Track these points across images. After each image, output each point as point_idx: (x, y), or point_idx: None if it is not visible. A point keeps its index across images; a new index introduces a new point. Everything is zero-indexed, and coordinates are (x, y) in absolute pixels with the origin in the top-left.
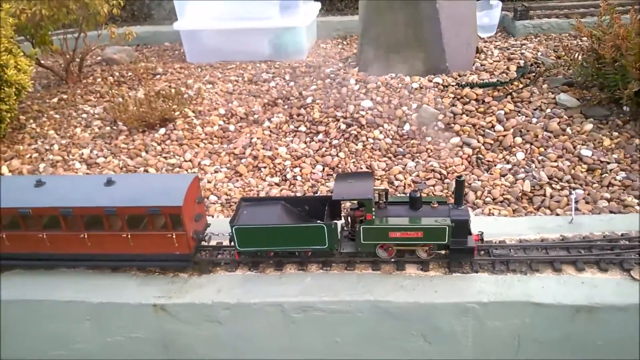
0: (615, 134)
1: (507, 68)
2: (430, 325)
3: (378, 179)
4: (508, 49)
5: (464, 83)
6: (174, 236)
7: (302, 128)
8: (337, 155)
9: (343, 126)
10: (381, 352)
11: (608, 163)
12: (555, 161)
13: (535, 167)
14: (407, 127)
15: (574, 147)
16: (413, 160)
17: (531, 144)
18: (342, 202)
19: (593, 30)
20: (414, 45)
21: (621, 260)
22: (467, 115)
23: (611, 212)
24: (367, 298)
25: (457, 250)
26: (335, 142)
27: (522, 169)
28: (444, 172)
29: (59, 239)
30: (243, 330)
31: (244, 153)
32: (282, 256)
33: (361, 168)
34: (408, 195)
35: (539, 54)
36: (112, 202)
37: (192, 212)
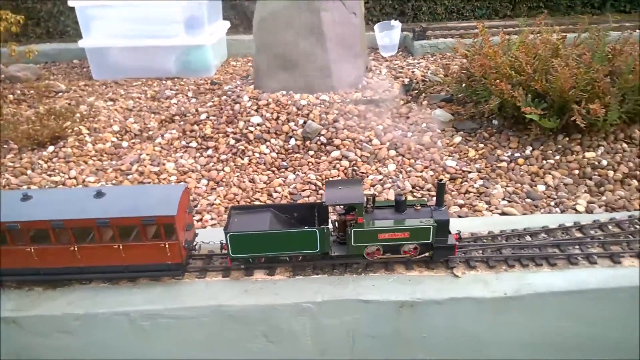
0: (481, 145)
1: (391, 86)
2: (271, 326)
3: (259, 192)
4: (395, 69)
5: (348, 100)
6: (167, 246)
7: (193, 144)
8: (222, 169)
9: (232, 141)
10: (227, 353)
11: (469, 172)
12: (421, 171)
13: (402, 177)
14: (292, 141)
15: (441, 159)
16: (294, 173)
17: (403, 156)
18: (330, 208)
19: (466, 50)
20: (304, 64)
21: (447, 260)
22: (348, 130)
23: (459, 216)
24: (211, 303)
25: (440, 248)
26: (223, 157)
27: (390, 180)
28: (319, 183)
29: (48, 253)
30: (93, 340)
31: (130, 169)
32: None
33: (244, 182)
34: (393, 199)
35: (429, 72)
36: (103, 214)
37: (183, 221)
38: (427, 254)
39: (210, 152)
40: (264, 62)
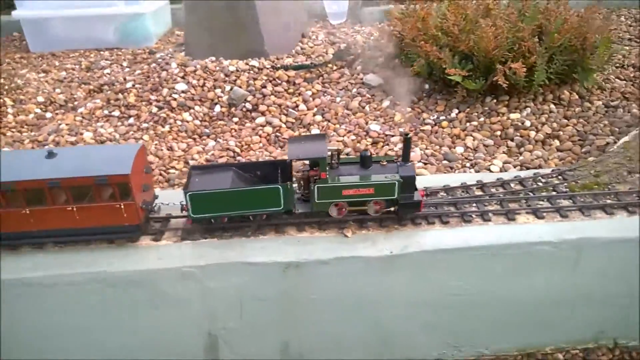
0: (409, 109)
1: (326, 52)
2: (156, 291)
3: (175, 160)
4: (335, 35)
5: (278, 66)
6: (122, 206)
7: (116, 113)
8: (141, 138)
9: (155, 109)
10: (114, 319)
11: (392, 136)
12: (343, 136)
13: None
14: (217, 108)
15: (366, 123)
16: (215, 140)
17: (329, 121)
18: (293, 164)
19: (400, 14)
20: (234, 29)
21: (340, 220)
22: (275, 96)
23: None
24: (96, 270)
25: (406, 205)
26: (144, 125)
27: None
28: (238, 150)
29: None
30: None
31: (47, 140)
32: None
33: (161, 150)
34: (360, 155)
35: (372, 38)
36: (55, 174)
37: (140, 181)
38: (392, 210)
39: (132, 120)
40: (194, 29)
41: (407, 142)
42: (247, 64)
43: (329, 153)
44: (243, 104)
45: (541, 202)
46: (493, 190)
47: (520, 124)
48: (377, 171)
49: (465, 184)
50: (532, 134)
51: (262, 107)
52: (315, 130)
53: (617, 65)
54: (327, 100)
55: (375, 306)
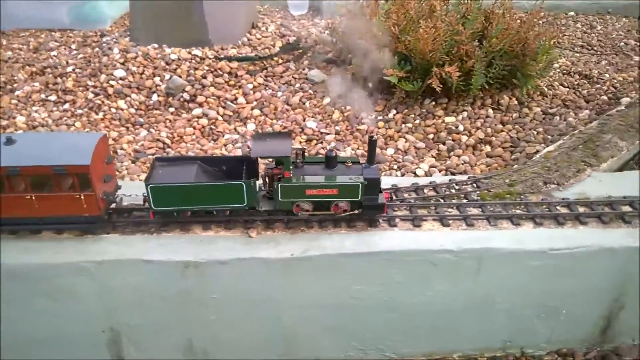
0: (349, 107)
1: (273, 44)
2: (52, 284)
3: None
4: (288, 27)
5: (221, 56)
6: (82, 197)
7: (53, 97)
8: (73, 124)
9: (91, 95)
10: (9, 311)
11: (327, 134)
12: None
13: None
14: (154, 97)
15: (304, 120)
16: (147, 130)
17: (266, 116)
18: (259, 161)
19: (347, 10)
20: (179, 17)
21: (246, 221)
22: (215, 88)
23: None
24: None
25: (369, 207)
26: (79, 111)
27: (245, 139)
28: (169, 141)
29: None
30: None
31: None
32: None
33: None
34: (325, 155)
35: (327, 32)
36: (14, 162)
37: (101, 172)
38: (355, 212)
39: (67, 106)
40: (139, 14)
41: (371, 144)
42: (189, 52)
43: (294, 152)
44: (181, 94)
45: (450, 210)
46: (406, 195)
47: (454, 127)
48: (342, 172)
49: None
50: (464, 138)
51: (200, 98)
52: (251, 126)
53: (564, 72)
54: (268, 94)
55: (278, 307)
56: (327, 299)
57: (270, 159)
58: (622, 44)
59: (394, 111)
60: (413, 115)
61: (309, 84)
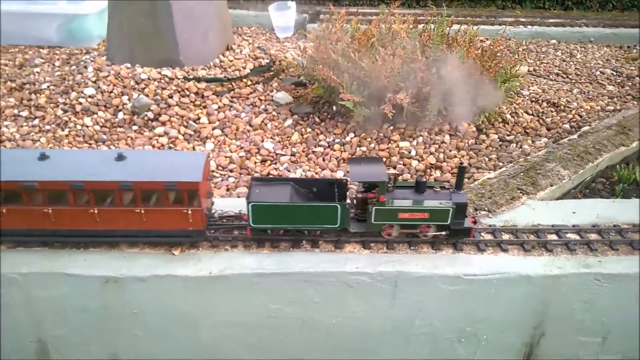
0: (309, 129)
1: (244, 66)
2: None
3: None
4: (265, 49)
5: (190, 77)
6: (190, 212)
7: (25, 113)
8: (39, 140)
9: (60, 112)
10: None
11: (283, 155)
12: (234, 152)
13: (212, 156)
14: (120, 115)
15: (262, 140)
16: (108, 147)
17: (227, 136)
18: (349, 184)
19: (318, 34)
20: (152, 37)
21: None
22: (179, 107)
23: (239, 197)
24: None
25: (457, 231)
26: (47, 127)
27: None
28: None
29: (65, 214)
30: None
31: None
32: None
33: None
34: (415, 180)
35: (308, 54)
36: (127, 177)
37: (204, 188)
38: (442, 234)
39: (36, 121)
40: (115, 34)
41: (461, 171)
42: (159, 72)
43: (388, 177)
44: (145, 112)
45: None
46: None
47: (407, 152)
48: (431, 197)
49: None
50: (415, 163)
51: (164, 117)
52: (209, 145)
53: (533, 99)
54: (231, 115)
55: (197, 325)
56: (245, 317)
57: (365, 183)
58: (598, 72)
59: (352, 134)
60: (369, 139)
61: (274, 105)
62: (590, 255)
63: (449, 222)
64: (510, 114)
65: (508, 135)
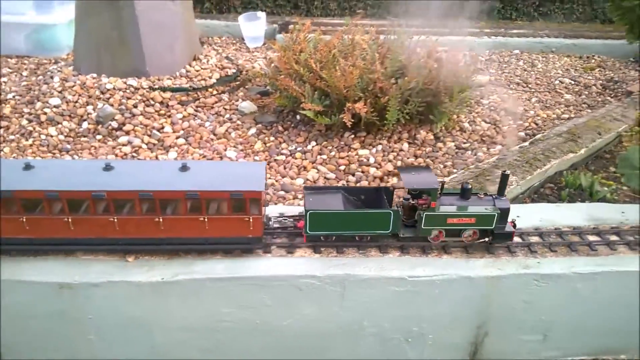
0: (272, 138)
1: (210, 76)
2: None
3: None
4: (233, 59)
5: (155, 87)
6: (251, 220)
7: None
8: (2, 150)
9: (25, 122)
10: None
11: None
12: (197, 160)
13: None
14: (84, 125)
15: (225, 149)
16: (72, 157)
17: (190, 145)
18: (396, 191)
19: (283, 45)
20: (117, 48)
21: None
22: (144, 117)
23: None
24: None
25: (500, 234)
26: (11, 137)
27: None
28: None
29: (131, 224)
30: None
31: None
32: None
33: None
34: (460, 187)
35: (273, 64)
36: (193, 187)
37: (264, 197)
38: (486, 239)
39: (1, 132)
40: (82, 45)
41: (504, 178)
42: (125, 82)
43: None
44: (110, 122)
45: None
46: (288, 223)
47: (365, 160)
48: (476, 202)
49: (268, 215)
50: (373, 170)
51: (128, 127)
52: (172, 154)
53: (491, 108)
54: (196, 124)
55: (152, 330)
56: (198, 321)
57: (415, 191)
58: (557, 81)
59: (314, 143)
60: (330, 147)
61: (239, 114)
62: (530, 256)
63: (492, 227)
64: (468, 122)
65: (464, 143)
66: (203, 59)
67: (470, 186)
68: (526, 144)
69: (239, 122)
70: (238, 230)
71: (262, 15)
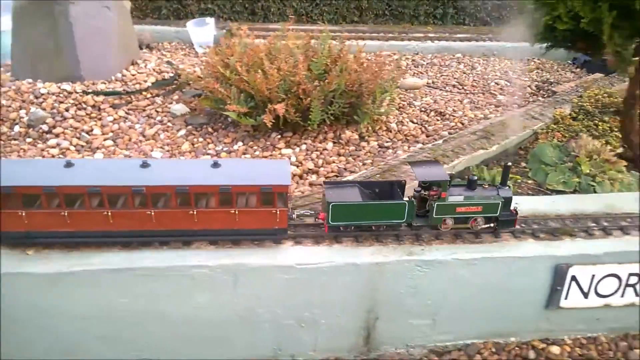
0: (201, 139)
1: (146, 80)
2: None
3: None
4: (174, 64)
5: (89, 91)
6: (278, 212)
7: None
8: None
9: None
10: None
11: None
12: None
13: None
14: (16, 128)
15: (151, 150)
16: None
17: (117, 146)
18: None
19: (218, 50)
20: (53, 54)
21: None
22: (75, 120)
23: None
24: None
25: (504, 221)
26: None
27: None
28: None
29: (167, 217)
30: None
31: None
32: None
33: None
34: (467, 178)
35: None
36: (226, 181)
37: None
38: (491, 226)
39: None
40: (19, 52)
41: (506, 169)
42: (59, 87)
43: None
44: (41, 125)
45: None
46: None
47: (287, 158)
48: (482, 192)
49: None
50: (293, 168)
51: (58, 130)
52: (99, 155)
53: (422, 109)
54: (126, 126)
55: (52, 319)
56: (95, 311)
57: (426, 182)
58: (493, 83)
59: (240, 143)
60: (256, 147)
61: (171, 117)
62: (416, 244)
63: (497, 214)
64: (396, 122)
65: (387, 142)
66: (141, 64)
67: (476, 177)
68: (440, 142)
69: (169, 124)
70: (266, 222)
71: (210, 21)
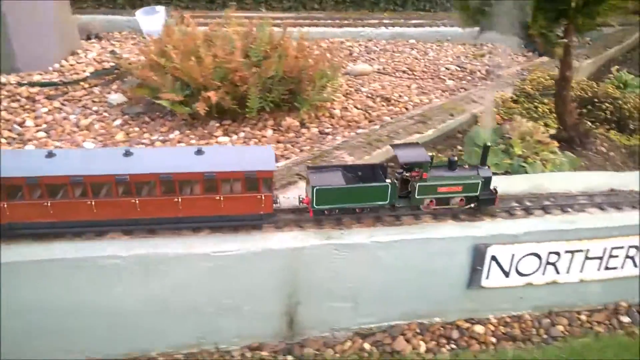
0: (137, 129)
1: (84, 70)
2: None
3: None
4: (117, 55)
5: (24, 82)
6: (263, 197)
7: None
8: None
9: None
10: None
11: None
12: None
13: None
14: None
15: (83, 141)
16: None
17: (50, 137)
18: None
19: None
20: None
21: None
22: (7, 112)
23: None
24: None
25: (485, 200)
26: None
27: None
28: None
29: (152, 204)
30: None
31: None
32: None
33: None
34: (447, 159)
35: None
36: (210, 168)
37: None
38: (472, 205)
39: None
40: None
41: (485, 149)
42: None
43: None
44: None
45: None
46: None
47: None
48: (462, 173)
49: None
50: None
51: None
52: (30, 146)
53: (368, 95)
54: (60, 117)
55: None
56: (11, 304)
57: (407, 164)
58: (443, 69)
59: (177, 132)
60: (193, 136)
61: (107, 107)
62: (337, 228)
63: (477, 193)
64: (340, 109)
65: (328, 129)
66: (82, 54)
67: (456, 159)
68: (377, 127)
69: (106, 114)
70: (251, 208)
71: (160, 9)
